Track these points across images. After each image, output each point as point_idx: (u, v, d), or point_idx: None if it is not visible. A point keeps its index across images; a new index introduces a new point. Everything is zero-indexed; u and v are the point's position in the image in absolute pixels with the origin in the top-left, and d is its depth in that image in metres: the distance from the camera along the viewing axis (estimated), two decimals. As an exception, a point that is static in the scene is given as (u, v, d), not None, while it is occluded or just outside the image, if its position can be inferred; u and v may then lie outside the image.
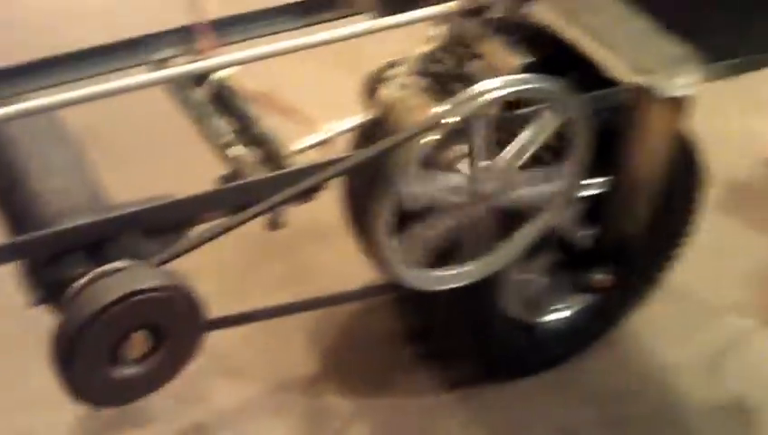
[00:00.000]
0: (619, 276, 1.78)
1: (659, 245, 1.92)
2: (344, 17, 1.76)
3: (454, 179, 1.48)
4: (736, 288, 2.21)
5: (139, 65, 1.64)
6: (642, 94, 1.56)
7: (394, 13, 1.66)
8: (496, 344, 1.90)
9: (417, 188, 1.44)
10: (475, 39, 1.56)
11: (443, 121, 1.38)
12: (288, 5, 1.74)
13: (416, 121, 1.47)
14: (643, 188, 1.67)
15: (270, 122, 1.57)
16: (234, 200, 1.40)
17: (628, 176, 1.66)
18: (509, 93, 1.41)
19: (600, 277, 1.77)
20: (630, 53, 1.60)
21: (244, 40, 1.71)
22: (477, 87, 1.40)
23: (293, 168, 1.44)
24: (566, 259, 1.87)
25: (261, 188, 1.39)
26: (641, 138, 1.61)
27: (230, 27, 1.69)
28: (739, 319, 2.14)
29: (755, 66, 1.64)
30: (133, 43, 1.64)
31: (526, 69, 1.50)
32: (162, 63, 1.64)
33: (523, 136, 1.49)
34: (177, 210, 1.36)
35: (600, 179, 1.71)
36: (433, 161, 1.46)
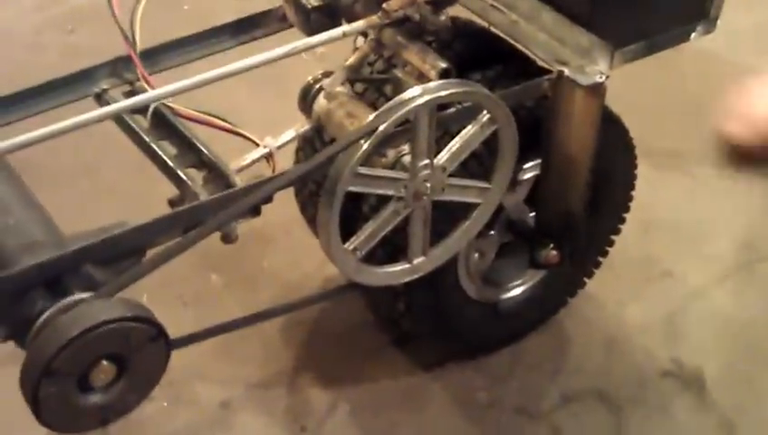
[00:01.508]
0: (566, 251, 1.87)
1: (602, 218, 2.01)
2: (276, 32, 1.84)
3: (395, 177, 1.55)
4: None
5: (77, 100, 1.69)
6: (562, 84, 1.66)
7: (319, 29, 1.75)
8: (461, 324, 1.98)
9: (360, 188, 1.51)
10: (398, 46, 1.62)
11: (379, 129, 1.45)
12: (218, 27, 1.81)
13: (352, 130, 1.54)
14: (575, 169, 1.76)
15: (211, 141, 1.64)
16: (186, 223, 1.45)
17: (558, 159, 1.76)
18: (432, 99, 1.48)
19: (548, 254, 1.87)
20: (546, 45, 1.70)
21: (180, 65, 1.77)
22: (406, 94, 1.48)
23: (240, 186, 1.50)
24: (516, 239, 1.96)
25: (211, 209, 1.45)
26: (565, 123, 1.70)
27: (164, 54, 1.76)
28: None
29: (661, 46, 1.74)
30: (69, 79, 1.69)
31: (447, 72, 1.57)
32: (101, 96, 1.70)
33: (459, 138, 1.57)
34: (132, 239, 1.42)
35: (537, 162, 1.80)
36: (373, 162, 1.54)
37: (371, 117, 1.48)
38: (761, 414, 1.96)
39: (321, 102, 1.68)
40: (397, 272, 1.66)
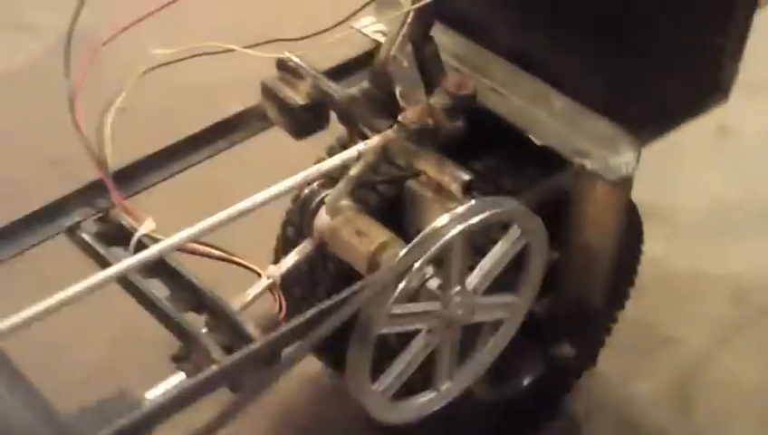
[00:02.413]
0: (582, 346, 1.75)
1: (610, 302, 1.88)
2: (256, 133, 1.65)
3: (428, 310, 1.40)
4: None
5: (52, 237, 1.48)
6: (584, 178, 1.52)
7: (306, 129, 1.58)
8: (475, 428, 1.85)
9: (394, 328, 1.36)
10: (409, 155, 1.46)
11: (414, 266, 1.29)
12: (195, 136, 1.60)
13: (384, 270, 1.38)
14: (598, 262, 1.63)
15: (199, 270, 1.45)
16: (205, 392, 1.27)
17: (579, 252, 1.62)
18: (469, 227, 1.33)
19: (563, 350, 1.74)
20: (558, 133, 1.56)
21: (156, 183, 1.57)
22: (438, 223, 1.32)
23: (260, 340, 1.32)
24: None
25: (231, 372, 1.27)
26: (588, 216, 1.57)
27: (138, 173, 1.55)
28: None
29: (679, 122, 1.61)
30: (38, 216, 1.48)
31: (470, 184, 1.42)
32: (75, 230, 1.49)
33: (490, 257, 1.43)
34: (143, 422, 1.22)
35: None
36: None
37: (402, 253, 1.32)
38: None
39: (323, 219, 1.51)
40: (426, 402, 1.51)
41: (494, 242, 1.45)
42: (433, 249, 1.31)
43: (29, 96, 2.70)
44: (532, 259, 1.48)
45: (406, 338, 1.43)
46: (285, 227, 1.77)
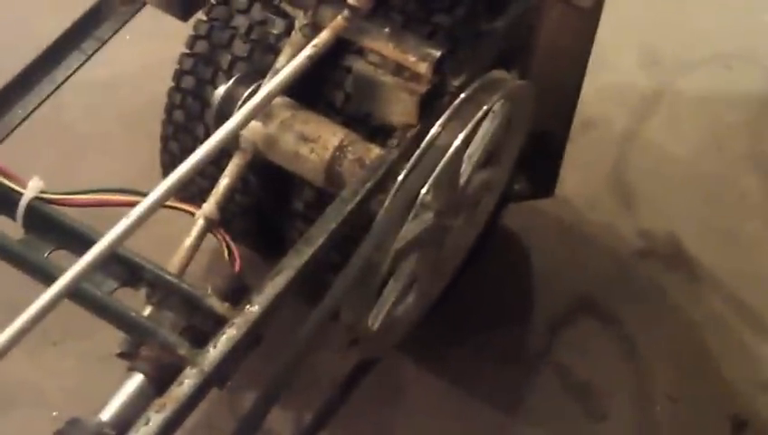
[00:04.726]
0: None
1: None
2: (125, 23, 1.27)
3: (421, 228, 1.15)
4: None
5: None
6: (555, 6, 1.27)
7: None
8: None
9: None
10: (354, 34, 1.15)
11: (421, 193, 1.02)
12: (56, 44, 1.22)
13: (383, 214, 1.09)
14: (563, 90, 1.42)
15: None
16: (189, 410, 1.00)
17: (543, 78, 1.39)
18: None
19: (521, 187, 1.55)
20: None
21: (24, 120, 1.19)
22: (436, 132, 1.04)
23: (232, 317, 1.03)
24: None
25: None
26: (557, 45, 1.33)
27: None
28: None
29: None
30: None
31: (442, 60, 1.13)
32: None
33: (478, 141, 1.16)
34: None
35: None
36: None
37: (400, 178, 1.04)
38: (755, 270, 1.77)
39: (253, 126, 1.19)
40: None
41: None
42: (438, 170, 1.04)
43: None
44: (516, 127, 1.23)
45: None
46: (171, 111, 1.42)
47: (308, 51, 1.08)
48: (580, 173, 1.87)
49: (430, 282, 1.30)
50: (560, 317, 1.72)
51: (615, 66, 2.03)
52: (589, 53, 1.39)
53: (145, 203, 1.02)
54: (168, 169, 1.43)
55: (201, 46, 1.33)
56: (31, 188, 1.12)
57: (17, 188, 1.12)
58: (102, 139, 1.79)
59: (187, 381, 1.00)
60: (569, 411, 1.61)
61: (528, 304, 1.77)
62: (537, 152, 1.51)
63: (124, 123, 1.79)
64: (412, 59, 1.12)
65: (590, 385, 1.63)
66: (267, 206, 1.37)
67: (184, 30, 1.33)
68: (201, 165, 1.02)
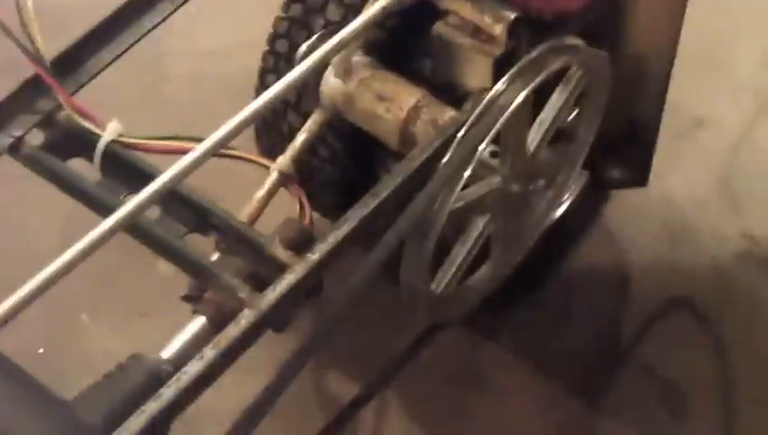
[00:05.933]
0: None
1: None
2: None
3: (485, 190, 1.14)
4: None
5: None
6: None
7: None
8: None
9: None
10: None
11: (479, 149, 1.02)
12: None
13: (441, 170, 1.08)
14: (653, 69, 1.38)
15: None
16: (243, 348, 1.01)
17: (630, 59, 1.36)
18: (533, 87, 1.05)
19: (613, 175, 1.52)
20: None
21: (105, 67, 1.23)
22: (500, 88, 1.04)
23: (294, 265, 1.04)
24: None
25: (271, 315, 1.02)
26: (645, 22, 1.30)
27: (78, 61, 1.20)
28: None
29: None
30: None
31: (517, 23, 1.12)
32: (20, 148, 1.16)
33: (550, 108, 1.15)
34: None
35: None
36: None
37: (461, 135, 1.03)
38: None
39: (333, 83, 1.21)
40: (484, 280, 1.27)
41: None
42: (498, 125, 1.03)
43: None
44: (592, 100, 1.21)
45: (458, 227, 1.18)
46: (263, 76, 1.45)
47: (383, 1, 1.09)
48: (687, 172, 1.84)
49: (503, 254, 1.28)
50: (653, 314, 1.68)
51: (733, 66, 1.98)
52: (677, 38, 1.35)
53: (205, 144, 1.04)
54: (260, 133, 1.46)
55: (296, 9, 1.35)
56: (110, 131, 1.16)
57: (96, 130, 1.16)
58: (206, 107, 1.83)
59: (244, 320, 1.02)
60: (653, 408, 1.57)
61: (622, 299, 1.73)
62: (629, 140, 1.48)
63: (227, 92, 1.83)
64: (488, 20, 1.12)
65: (676, 383, 1.59)
66: (350, 174, 1.38)
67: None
68: (266, 109, 1.04)
